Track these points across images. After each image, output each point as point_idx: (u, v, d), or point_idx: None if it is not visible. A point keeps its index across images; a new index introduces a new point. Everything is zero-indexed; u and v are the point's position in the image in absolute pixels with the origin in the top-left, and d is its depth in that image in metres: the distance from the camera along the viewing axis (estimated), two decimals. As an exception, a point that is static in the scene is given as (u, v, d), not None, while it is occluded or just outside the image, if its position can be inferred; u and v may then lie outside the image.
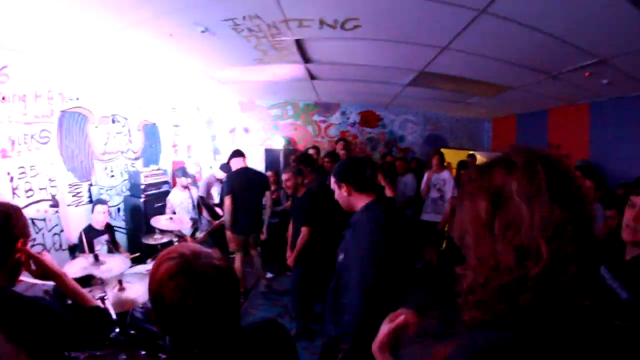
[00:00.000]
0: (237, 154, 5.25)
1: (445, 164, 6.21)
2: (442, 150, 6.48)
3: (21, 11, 2.97)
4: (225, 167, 7.13)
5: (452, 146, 8.83)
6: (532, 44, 3.59)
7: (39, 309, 1.34)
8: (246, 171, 5.13)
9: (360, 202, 2.22)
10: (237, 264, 5.07)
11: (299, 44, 4.15)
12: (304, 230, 4.22)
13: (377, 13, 3.29)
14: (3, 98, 3.66)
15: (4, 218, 1.38)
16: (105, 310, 1.64)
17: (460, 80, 5.34)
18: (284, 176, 4.54)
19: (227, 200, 4.91)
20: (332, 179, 2.30)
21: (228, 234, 5.04)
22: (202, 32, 3.58)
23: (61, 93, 4.46)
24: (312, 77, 5.89)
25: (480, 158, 7.86)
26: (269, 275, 5.97)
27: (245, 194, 4.97)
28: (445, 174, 5.96)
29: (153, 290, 1.04)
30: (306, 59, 4.77)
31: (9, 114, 3.77)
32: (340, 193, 2.27)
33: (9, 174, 3.83)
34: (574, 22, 3.06)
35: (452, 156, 7.22)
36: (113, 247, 4.55)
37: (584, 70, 4.23)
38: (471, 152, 7.84)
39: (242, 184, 4.99)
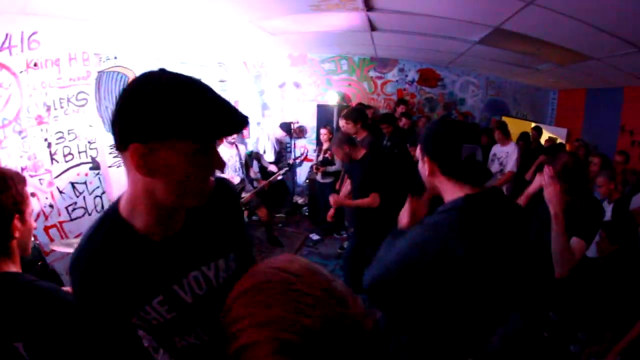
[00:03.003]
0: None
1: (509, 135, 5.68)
2: (504, 118, 5.87)
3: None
4: (285, 126, 6.89)
5: (514, 115, 8.16)
6: (630, 7, 3.14)
7: (57, 302, 1.15)
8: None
9: (448, 190, 1.50)
10: None
11: None
12: (372, 196, 3.78)
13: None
14: (35, 64, 3.49)
15: None
16: None
17: (536, 43, 4.74)
18: (332, 149, 4.19)
19: None
20: (419, 147, 1.61)
21: None
22: None
23: (97, 53, 4.23)
24: (373, 27, 5.34)
25: (545, 133, 7.29)
26: (316, 237, 5.85)
27: None
28: (509, 147, 5.45)
29: None
30: (369, 6, 4.26)
31: (43, 79, 3.60)
32: (422, 167, 1.57)
33: (46, 140, 3.69)
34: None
35: (513, 126, 6.57)
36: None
37: None
38: (536, 125, 7.20)
39: None
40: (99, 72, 4.21)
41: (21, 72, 3.36)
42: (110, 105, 4.46)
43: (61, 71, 3.76)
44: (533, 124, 7.28)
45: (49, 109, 3.68)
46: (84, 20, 3.84)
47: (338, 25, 5.33)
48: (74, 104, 3.92)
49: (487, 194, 1.47)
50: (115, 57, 4.42)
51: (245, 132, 7.62)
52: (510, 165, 5.31)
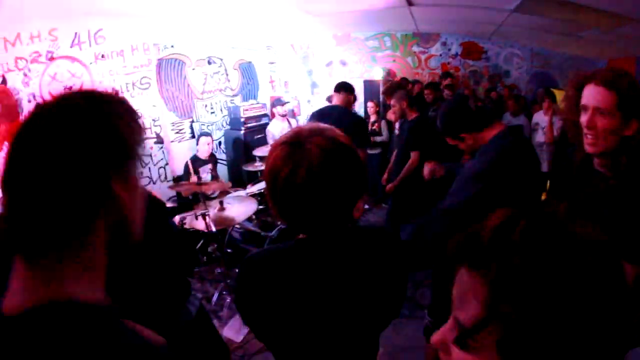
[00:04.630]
0: (336, 88, 4.66)
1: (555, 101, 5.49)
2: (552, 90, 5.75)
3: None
4: (329, 101, 7.22)
5: (562, 87, 7.58)
6: None
7: None
8: (330, 110, 4.72)
9: (487, 137, 1.91)
10: None
11: None
12: (413, 155, 4.05)
13: None
14: (102, 56, 4.14)
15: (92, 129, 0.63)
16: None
17: (573, 7, 4.60)
18: (391, 102, 4.36)
19: None
20: (448, 139, 2.00)
21: None
22: None
23: (156, 44, 4.85)
24: (410, 2, 5.47)
25: None
26: (365, 206, 6.02)
27: None
28: (554, 118, 5.32)
29: (267, 167, 0.98)
30: None
31: (110, 68, 4.25)
32: (467, 145, 1.96)
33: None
34: None
35: (560, 98, 6.34)
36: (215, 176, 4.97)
37: None
38: None
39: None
40: (158, 59, 4.86)
41: (90, 63, 4.06)
42: (170, 88, 5.12)
43: (125, 60, 4.40)
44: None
45: (116, 93, 4.31)
46: (142, 16, 4.41)
47: (377, 3, 5.51)
48: (138, 88, 4.59)
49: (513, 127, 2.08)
50: (172, 46, 5.05)
51: (295, 109, 8.09)
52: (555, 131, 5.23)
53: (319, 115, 4.53)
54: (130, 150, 0.66)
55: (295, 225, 1.03)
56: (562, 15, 5.13)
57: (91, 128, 0.61)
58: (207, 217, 3.29)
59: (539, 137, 5.40)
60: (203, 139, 4.81)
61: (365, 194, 1.06)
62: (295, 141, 0.94)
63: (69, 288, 0.60)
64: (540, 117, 5.49)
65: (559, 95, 6.40)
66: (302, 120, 7.64)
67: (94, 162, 0.60)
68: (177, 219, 3.42)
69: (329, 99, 7.18)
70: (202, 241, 3.96)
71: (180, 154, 5.23)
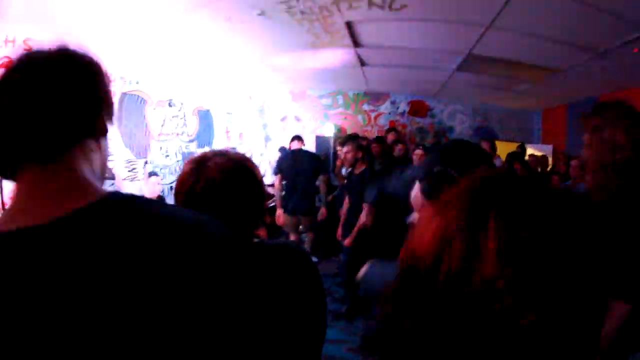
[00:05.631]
0: (296, 137, 5.51)
1: (496, 153, 6.00)
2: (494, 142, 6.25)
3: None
4: (283, 150, 7.35)
5: (502, 138, 8.51)
6: (576, 17, 3.53)
7: None
8: (298, 152, 5.25)
9: None
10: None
11: (350, 26, 4.20)
12: (367, 207, 4.13)
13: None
14: None
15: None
16: None
17: (508, 63, 5.23)
18: (345, 149, 4.48)
19: (276, 180, 5.09)
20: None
21: (278, 212, 5.12)
22: (259, 15, 3.69)
23: (122, 77, 4.83)
24: (362, 63, 5.88)
25: (530, 150, 7.65)
26: (314, 259, 5.93)
27: (295, 174, 5.04)
28: (497, 161, 5.77)
29: (177, 181, 1.13)
30: (356, 42, 4.79)
31: None
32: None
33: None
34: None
35: (502, 149, 6.95)
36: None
37: (632, 45, 4.03)
38: (521, 143, 7.58)
39: (290, 163, 5.09)
40: (122, 93, 4.81)
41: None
42: (129, 124, 5.03)
43: (92, 88, 4.31)
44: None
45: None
46: (114, 47, 4.36)
47: (333, 62, 5.85)
48: None
49: None
50: (137, 82, 5.03)
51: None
52: None
53: (292, 153, 5.25)
54: (111, 102, 0.75)
55: None
56: (498, 71, 5.75)
57: (88, 69, 0.72)
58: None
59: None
60: (153, 179, 4.72)
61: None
62: (201, 160, 1.10)
63: (95, 189, 0.64)
64: (489, 164, 5.84)
65: (499, 145, 6.96)
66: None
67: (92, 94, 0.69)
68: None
69: (282, 149, 7.33)
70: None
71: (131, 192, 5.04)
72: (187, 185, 1.07)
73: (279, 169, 5.11)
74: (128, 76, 4.92)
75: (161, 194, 4.96)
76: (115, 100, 4.68)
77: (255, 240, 1.19)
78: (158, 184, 4.76)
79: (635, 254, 1.17)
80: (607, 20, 3.49)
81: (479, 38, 4.31)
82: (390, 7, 3.58)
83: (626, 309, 1.24)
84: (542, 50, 4.56)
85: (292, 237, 5.21)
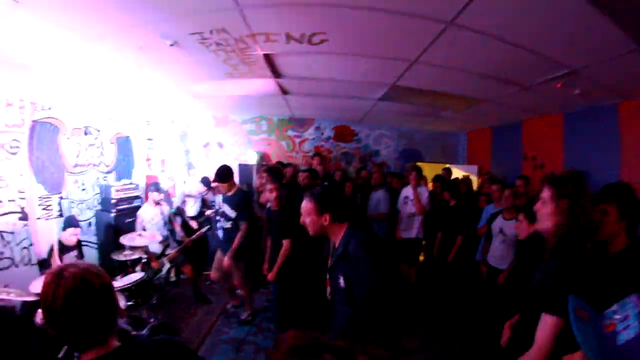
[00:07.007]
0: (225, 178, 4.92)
1: (422, 180, 6.20)
2: (418, 164, 6.52)
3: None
4: (206, 181, 7.16)
5: (428, 160, 8.97)
6: (502, 55, 3.63)
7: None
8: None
9: (338, 230, 2.24)
10: None
11: (268, 58, 4.19)
12: (285, 243, 4.22)
13: (343, 27, 3.29)
14: None
15: None
16: None
17: (432, 94, 5.39)
18: (270, 186, 4.46)
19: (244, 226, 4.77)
20: (310, 204, 2.28)
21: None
22: (171, 45, 3.62)
23: (33, 102, 4.45)
24: (284, 91, 5.92)
25: (456, 171, 8.04)
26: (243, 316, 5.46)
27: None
28: (420, 189, 5.94)
29: (41, 290, 1.29)
30: (276, 73, 4.79)
31: None
32: (317, 220, 2.25)
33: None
34: (541, 33, 3.11)
35: (428, 170, 7.32)
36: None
37: (556, 81, 4.28)
38: (446, 166, 7.93)
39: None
40: (33, 121, 4.41)
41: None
42: (41, 156, 4.65)
43: (-3, 117, 3.82)
44: (446, 165, 8.00)
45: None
46: (22, 68, 4.05)
47: (254, 90, 5.84)
48: (6, 151, 4.06)
49: (359, 222, 2.37)
50: (50, 108, 4.66)
51: (170, 190, 7.93)
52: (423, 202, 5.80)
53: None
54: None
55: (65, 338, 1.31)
56: (424, 101, 5.96)
57: None
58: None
59: (409, 208, 5.91)
60: (70, 230, 4.35)
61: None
62: (59, 272, 1.28)
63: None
64: (409, 191, 5.98)
65: (425, 166, 7.32)
66: (177, 201, 7.41)
67: None
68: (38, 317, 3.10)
69: (205, 180, 7.09)
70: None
71: (46, 234, 4.61)
72: (49, 294, 1.24)
73: None
74: (40, 101, 4.54)
75: (80, 239, 4.59)
76: (25, 129, 4.36)
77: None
78: (75, 234, 4.40)
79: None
80: (535, 60, 3.65)
81: (403, 72, 4.44)
82: (309, 41, 3.64)
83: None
84: (466, 83, 4.66)
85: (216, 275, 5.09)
